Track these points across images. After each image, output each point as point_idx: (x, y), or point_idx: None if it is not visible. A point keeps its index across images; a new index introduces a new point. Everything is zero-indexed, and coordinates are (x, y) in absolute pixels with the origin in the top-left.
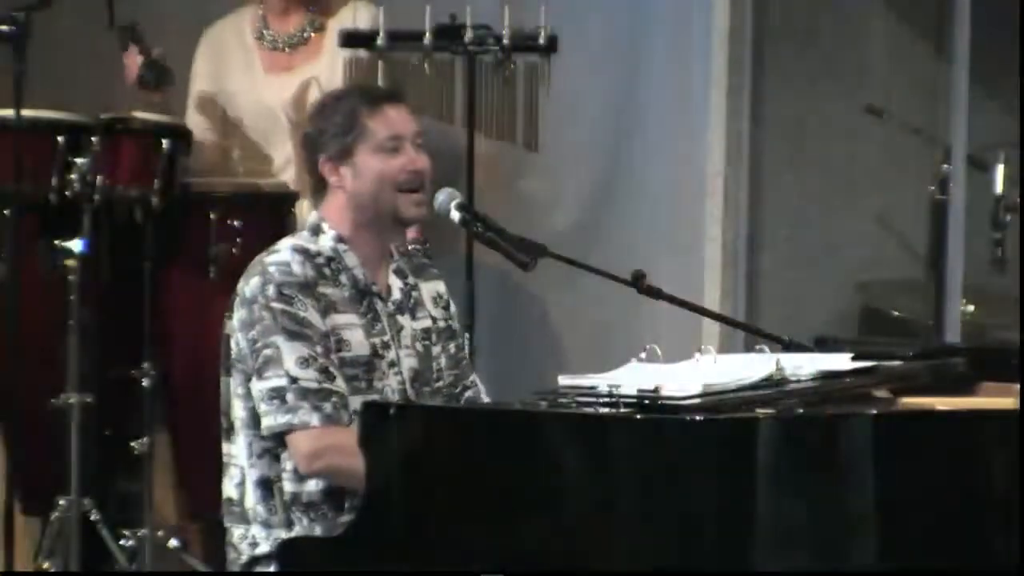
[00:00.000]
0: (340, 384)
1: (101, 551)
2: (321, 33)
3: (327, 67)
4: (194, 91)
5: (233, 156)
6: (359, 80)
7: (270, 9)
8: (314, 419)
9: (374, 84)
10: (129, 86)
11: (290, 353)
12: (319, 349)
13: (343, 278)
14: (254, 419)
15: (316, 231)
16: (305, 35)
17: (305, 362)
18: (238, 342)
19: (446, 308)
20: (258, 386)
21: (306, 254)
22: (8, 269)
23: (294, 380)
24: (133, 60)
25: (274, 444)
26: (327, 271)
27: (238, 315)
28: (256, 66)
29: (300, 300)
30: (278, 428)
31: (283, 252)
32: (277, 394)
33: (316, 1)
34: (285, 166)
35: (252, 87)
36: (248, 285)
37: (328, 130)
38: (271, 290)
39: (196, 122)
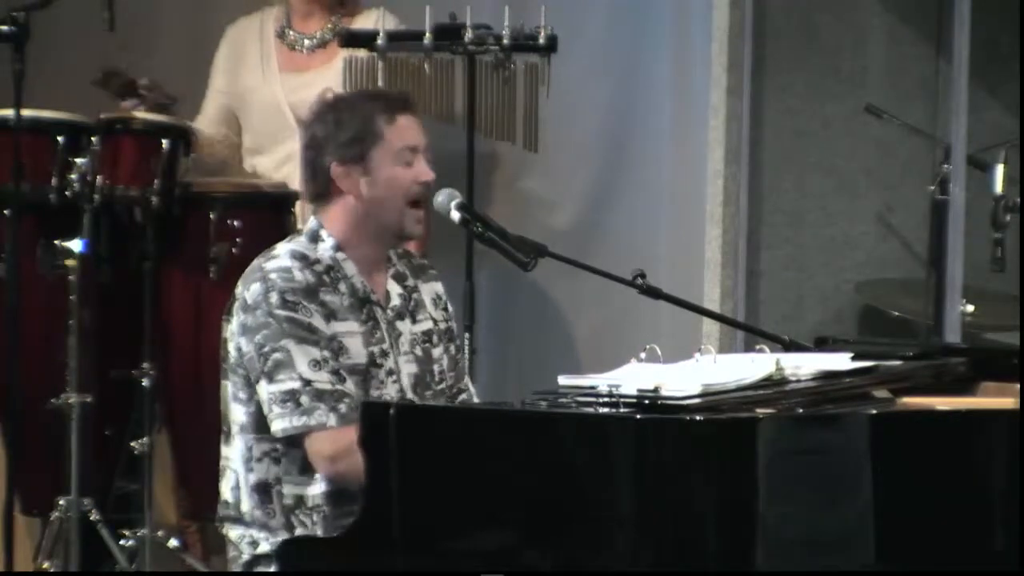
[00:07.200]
0: (350, 387)
1: (101, 551)
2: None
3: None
4: (212, 85)
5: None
6: (365, 84)
7: (294, 10)
8: (331, 420)
9: (387, 90)
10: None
11: (301, 356)
12: (327, 353)
13: (342, 286)
14: (254, 423)
15: (315, 238)
16: (326, 39)
17: (317, 364)
18: (239, 346)
19: (445, 309)
20: (268, 389)
21: (305, 260)
22: (8, 269)
23: (308, 382)
24: (136, 111)
25: (275, 448)
26: (326, 279)
27: (238, 320)
28: (272, 62)
29: (304, 306)
30: (293, 430)
31: (282, 258)
32: (290, 396)
33: (341, 8)
34: (282, 164)
35: (265, 82)
36: (248, 291)
37: (340, 134)
38: (275, 297)
39: (212, 116)
